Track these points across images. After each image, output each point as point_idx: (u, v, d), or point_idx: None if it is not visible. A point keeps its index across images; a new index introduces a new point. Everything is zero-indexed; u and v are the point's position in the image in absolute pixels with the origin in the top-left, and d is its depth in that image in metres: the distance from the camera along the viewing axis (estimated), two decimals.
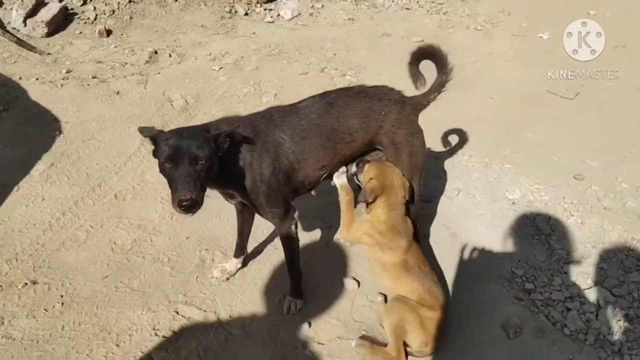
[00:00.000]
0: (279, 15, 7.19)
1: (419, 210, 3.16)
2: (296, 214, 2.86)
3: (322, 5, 7.47)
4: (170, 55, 5.76)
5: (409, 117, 2.93)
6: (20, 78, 5.06)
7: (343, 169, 2.93)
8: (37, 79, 5.06)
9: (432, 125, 4.62)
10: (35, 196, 3.72)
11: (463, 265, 3.34)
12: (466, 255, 3.43)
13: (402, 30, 6.65)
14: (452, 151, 4.45)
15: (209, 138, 2.41)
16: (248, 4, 7.38)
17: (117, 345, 2.77)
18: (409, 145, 2.92)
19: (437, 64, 3.07)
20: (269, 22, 6.92)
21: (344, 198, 2.91)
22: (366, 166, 2.92)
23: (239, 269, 3.24)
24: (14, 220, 3.53)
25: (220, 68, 5.52)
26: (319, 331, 2.87)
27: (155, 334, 2.83)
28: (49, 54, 5.64)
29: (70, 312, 2.93)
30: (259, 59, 5.76)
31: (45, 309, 2.94)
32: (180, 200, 2.26)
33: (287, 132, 2.70)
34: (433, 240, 3.52)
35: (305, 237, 3.49)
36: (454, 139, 4.56)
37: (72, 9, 6.54)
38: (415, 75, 3.08)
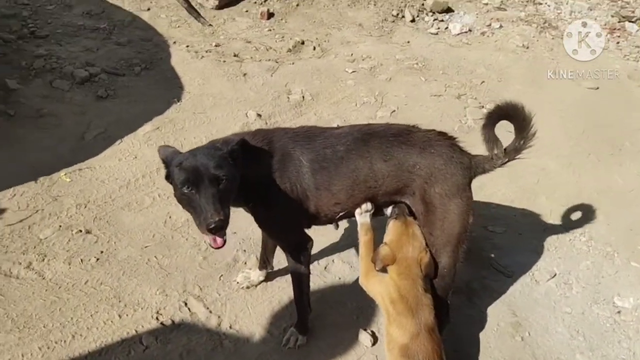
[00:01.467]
0: (447, 28, 6.72)
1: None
2: (310, 245, 2.60)
3: (500, 26, 6.79)
4: (314, 49, 5.75)
5: (452, 176, 2.43)
6: (174, 42, 5.50)
7: (367, 205, 2.55)
8: (187, 46, 5.45)
9: (561, 187, 3.97)
10: (130, 153, 4.00)
11: None
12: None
13: (582, 69, 5.68)
14: (568, 226, 3.69)
15: (226, 154, 2.25)
16: (420, 10, 7.04)
17: (119, 316, 2.83)
18: (443, 209, 2.43)
19: (517, 125, 2.51)
20: (432, 33, 6.50)
21: (362, 239, 2.55)
22: (391, 223, 2.52)
23: (261, 281, 3.08)
24: (103, 169, 3.83)
25: (353, 71, 5.33)
26: None
27: (156, 318, 2.84)
28: (210, 25, 6.04)
29: (99, 270, 3.08)
30: (397, 71, 5.43)
31: (81, 260, 3.13)
32: (209, 223, 2.11)
33: (307, 157, 2.42)
34: (486, 325, 2.94)
35: (332, 274, 3.20)
36: (577, 213, 3.78)
37: None
38: (490, 140, 2.55)
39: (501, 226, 3.65)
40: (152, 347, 2.69)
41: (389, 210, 2.59)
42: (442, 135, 2.57)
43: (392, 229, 2.52)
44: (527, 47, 6.26)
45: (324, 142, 2.47)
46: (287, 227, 2.53)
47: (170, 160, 2.25)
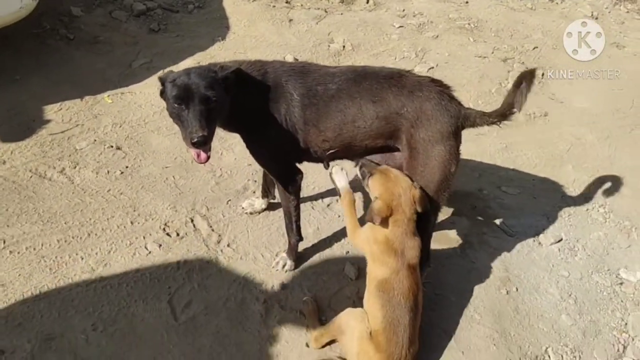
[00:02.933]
0: None
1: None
2: (299, 177, 2.70)
3: None
4: (367, 2, 5.72)
5: (437, 122, 2.42)
6: None
7: (338, 168, 2.62)
8: None
9: (592, 159, 3.81)
10: None
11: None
12: (508, 311, 2.80)
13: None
14: (588, 196, 3.56)
15: (219, 78, 2.35)
16: None
17: (132, 223, 3.11)
18: (425, 153, 2.44)
19: (520, 92, 2.42)
20: None
21: (344, 200, 2.61)
22: (370, 181, 2.51)
23: (263, 209, 3.25)
24: (143, 95, 4.11)
25: (400, 26, 5.27)
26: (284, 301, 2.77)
27: (163, 229, 3.09)
28: None
29: (122, 182, 3.37)
30: (446, 29, 5.31)
31: (107, 171, 3.44)
32: (193, 137, 2.26)
33: (298, 91, 2.49)
34: (474, 275, 2.96)
35: (333, 212, 3.31)
36: (602, 185, 3.63)
37: None
38: (518, 94, 2.44)
39: (516, 188, 3.58)
40: (154, 253, 2.95)
41: (357, 172, 2.60)
42: (435, 82, 2.55)
43: (374, 183, 2.51)
44: (597, 18, 5.88)
45: (318, 79, 2.53)
46: (275, 158, 2.64)
47: (165, 77, 2.40)
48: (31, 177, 3.31)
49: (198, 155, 2.37)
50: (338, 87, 2.49)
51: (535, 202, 3.49)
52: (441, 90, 2.50)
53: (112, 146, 3.62)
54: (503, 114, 2.50)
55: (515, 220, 3.34)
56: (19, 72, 4.09)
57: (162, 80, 2.42)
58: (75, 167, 3.43)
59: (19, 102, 3.84)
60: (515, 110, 2.48)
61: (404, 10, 5.62)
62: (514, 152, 3.88)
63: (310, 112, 2.49)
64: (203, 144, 2.29)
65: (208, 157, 2.39)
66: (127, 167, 3.49)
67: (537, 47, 5.16)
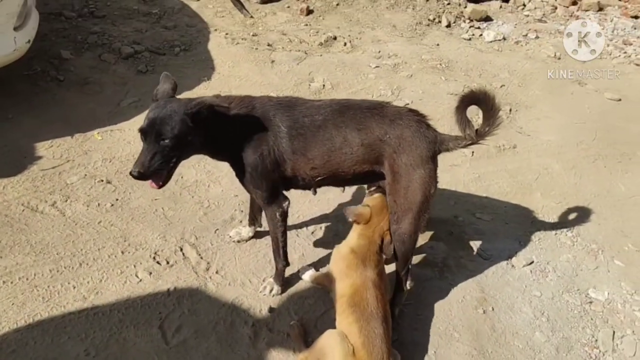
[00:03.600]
0: (481, 35, 6.85)
1: None
2: (286, 204, 2.87)
3: (537, 37, 6.86)
4: (345, 44, 6.04)
5: (417, 148, 2.63)
6: (215, 30, 5.96)
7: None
8: (226, 34, 5.89)
9: (559, 187, 4.06)
10: None
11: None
12: (485, 332, 2.95)
13: (606, 84, 5.71)
14: (556, 221, 3.78)
15: (186, 114, 2.46)
16: (458, 17, 7.21)
17: (122, 253, 3.21)
18: (407, 178, 2.64)
19: (485, 112, 2.68)
20: (464, 38, 6.65)
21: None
22: (374, 195, 2.84)
23: (250, 237, 3.39)
24: (131, 132, 4.26)
25: (376, 67, 5.58)
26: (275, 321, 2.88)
27: (153, 258, 3.19)
28: (251, 17, 6.47)
29: (112, 214, 3.48)
30: (419, 69, 5.64)
31: (98, 204, 3.55)
32: (131, 170, 2.47)
33: (286, 123, 2.69)
34: (452, 296, 3.12)
35: (317, 238, 3.48)
36: (568, 212, 3.87)
37: None
38: (462, 121, 2.71)
39: (489, 214, 3.79)
40: (145, 281, 3.04)
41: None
42: (413, 111, 2.78)
43: (375, 198, 2.82)
44: (559, 58, 6.29)
45: (304, 111, 2.74)
46: (263, 186, 2.79)
47: (153, 100, 2.62)
48: (23, 210, 3.41)
49: (150, 183, 2.58)
50: (324, 118, 2.70)
51: (508, 228, 3.70)
52: (419, 119, 2.73)
53: (102, 180, 3.74)
54: (472, 137, 2.71)
55: (489, 244, 3.53)
56: (11, 112, 4.22)
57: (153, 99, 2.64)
58: (66, 201, 3.53)
59: (11, 140, 3.96)
60: (490, 131, 2.70)
61: (379, 52, 5.95)
62: (486, 182, 4.11)
63: (298, 142, 2.69)
64: (138, 178, 2.48)
65: (159, 186, 2.60)
66: (117, 199, 3.61)
67: (504, 85, 5.50)
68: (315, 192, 2.97)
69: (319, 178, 2.80)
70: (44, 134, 4.07)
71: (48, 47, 5.10)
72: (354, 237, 2.77)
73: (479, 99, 2.70)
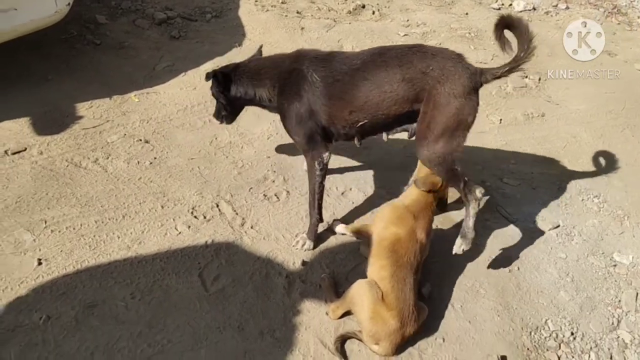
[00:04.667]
0: (510, 4, 6.78)
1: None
2: (326, 155, 2.98)
3: (567, 7, 6.76)
4: (373, 13, 6.05)
5: (460, 77, 2.69)
6: None
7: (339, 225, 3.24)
8: (255, 1, 5.94)
9: (586, 154, 4.08)
10: (190, 84, 4.54)
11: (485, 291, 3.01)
12: (510, 286, 3.05)
13: (636, 55, 5.64)
14: (584, 187, 3.82)
15: (214, 80, 3.17)
16: None
17: (162, 207, 3.36)
18: (447, 105, 2.68)
19: (518, 38, 2.75)
20: (494, 8, 6.59)
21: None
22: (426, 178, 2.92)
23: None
24: (167, 95, 4.39)
25: (405, 35, 5.59)
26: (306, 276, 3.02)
27: (191, 213, 3.34)
28: None
29: (151, 171, 3.63)
30: (448, 38, 5.63)
31: (138, 162, 3.69)
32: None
33: (321, 74, 2.80)
34: (478, 255, 3.21)
35: (348, 199, 3.58)
36: (596, 178, 3.90)
37: None
38: (501, 39, 2.82)
39: (516, 180, 3.85)
40: (184, 233, 3.20)
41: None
42: (448, 49, 2.89)
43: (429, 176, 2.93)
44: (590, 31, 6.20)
45: (342, 60, 2.87)
46: (300, 134, 2.94)
47: None
48: (67, 166, 3.57)
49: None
50: (363, 61, 2.83)
51: (534, 193, 3.76)
52: (458, 54, 2.84)
53: (140, 140, 3.88)
54: (516, 61, 2.79)
55: (516, 208, 3.60)
56: (51, 74, 4.37)
57: None
58: (107, 158, 3.69)
59: (52, 101, 4.11)
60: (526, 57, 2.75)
61: (408, 20, 5.94)
62: (514, 149, 4.15)
63: (335, 87, 2.83)
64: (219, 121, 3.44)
65: (229, 123, 3.50)
66: (155, 158, 3.75)
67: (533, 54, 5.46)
68: (359, 143, 3.07)
69: (359, 123, 2.89)
70: (83, 96, 4.21)
71: (83, 12, 5.22)
72: (411, 195, 2.90)
73: (513, 24, 2.76)
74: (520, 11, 6.57)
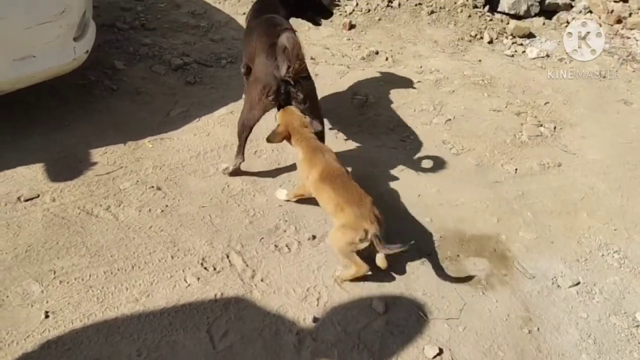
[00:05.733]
0: (524, 51, 6.80)
1: None
2: None
3: None
4: (386, 59, 6.10)
5: None
6: None
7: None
8: None
9: (605, 207, 4.00)
10: (204, 130, 4.56)
11: None
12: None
13: None
14: (603, 242, 3.73)
15: None
16: (500, 33, 7.18)
17: (172, 257, 3.32)
18: None
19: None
20: (507, 55, 6.62)
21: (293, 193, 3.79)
22: (277, 115, 3.65)
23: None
24: (180, 141, 4.41)
25: (419, 82, 5.61)
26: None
27: (201, 264, 3.29)
28: (295, 31, 6.58)
29: (162, 220, 3.60)
30: (461, 85, 5.64)
31: (149, 209, 3.67)
32: None
33: None
34: (496, 315, 3.10)
35: None
36: (615, 232, 3.81)
37: (338, 0, 7.45)
38: None
39: (533, 233, 3.76)
40: (193, 285, 3.14)
41: None
42: None
43: (278, 115, 3.66)
44: (604, 77, 6.20)
45: None
46: None
47: None
48: (79, 213, 3.56)
49: None
50: None
51: (553, 247, 3.66)
52: None
53: (152, 187, 3.88)
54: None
55: (534, 263, 3.51)
56: (67, 119, 4.42)
57: None
58: (119, 205, 3.67)
59: (68, 146, 4.14)
60: None
61: (421, 67, 5.98)
62: (530, 200, 4.08)
63: None
64: None
65: None
66: (166, 206, 3.73)
67: (548, 103, 5.45)
68: None
69: None
70: (98, 141, 4.24)
71: (102, 57, 5.32)
72: (296, 146, 3.56)
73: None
74: (534, 58, 6.59)
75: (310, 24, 6.60)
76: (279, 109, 3.66)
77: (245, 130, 3.88)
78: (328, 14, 4.80)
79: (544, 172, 4.45)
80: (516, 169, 4.41)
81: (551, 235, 3.77)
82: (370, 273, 3.19)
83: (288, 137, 3.53)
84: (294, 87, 3.58)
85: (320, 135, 3.76)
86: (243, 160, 4.00)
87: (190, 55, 5.64)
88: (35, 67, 3.86)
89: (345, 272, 3.23)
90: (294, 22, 4.56)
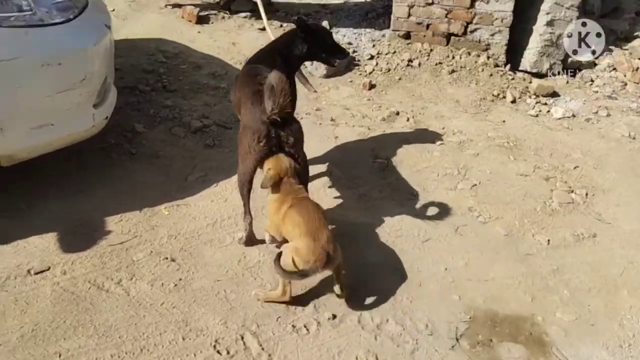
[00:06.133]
0: (548, 111, 6.65)
1: None
2: None
3: (608, 114, 6.58)
4: (407, 120, 6.00)
5: None
6: None
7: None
8: None
9: None
10: (222, 196, 4.45)
11: None
12: None
13: None
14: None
15: None
16: (523, 93, 7.06)
17: (183, 339, 3.13)
18: None
19: None
20: (531, 115, 6.47)
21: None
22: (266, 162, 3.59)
23: None
24: (197, 208, 4.29)
25: (441, 144, 5.48)
26: None
27: (214, 347, 3.09)
28: (315, 91, 6.57)
29: (175, 295, 3.44)
30: (486, 147, 5.48)
31: (162, 283, 3.52)
32: None
33: None
34: None
35: None
36: None
37: (358, 60, 7.47)
38: None
39: (571, 314, 3.48)
40: None
41: None
42: None
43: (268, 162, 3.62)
44: (634, 138, 5.99)
45: None
46: None
47: None
48: (89, 288, 3.42)
49: None
50: None
51: (593, 330, 3.38)
52: None
53: (167, 258, 3.73)
54: None
55: (574, 349, 3.22)
56: (85, 184, 4.35)
57: None
58: (131, 279, 3.53)
59: (82, 214, 4.05)
60: None
61: (443, 128, 5.86)
62: (565, 275, 3.82)
63: None
64: None
65: None
66: (180, 279, 3.57)
67: (578, 166, 5.24)
68: None
69: None
70: (114, 208, 4.15)
71: (123, 120, 5.32)
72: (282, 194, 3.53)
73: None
74: (559, 118, 6.43)
75: (330, 84, 6.67)
76: (269, 155, 3.60)
77: (244, 186, 3.77)
78: (343, 55, 4.70)
79: (578, 244, 4.20)
80: (548, 240, 4.17)
81: (591, 317, 3.49)
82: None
83: (278, 183, 3.50)
84: (283, 131, 3.54)
85: (304, 181, 3.79)
86: (251, 218, 3.85)
87: (209, 117, 5.61)
88: (53, 134, 3.82)
89: (268, 293, 3.43)
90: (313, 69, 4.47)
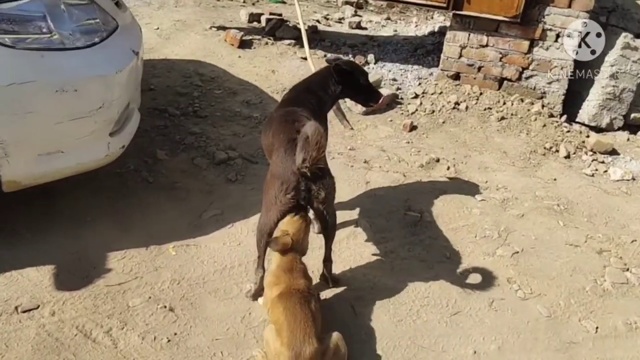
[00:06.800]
0: (605, 171, 6.06)
1: None
2: None
3: None
4: (448, 168, 5.56)
5: None
6: None
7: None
8: None
9: None
10: (235, 239, 4.11)
11: None
12: None
13: None
14: None
15: None
16: (578, 148, 6.50)
17: None
18: None
19: None
20: (586, 174, 5.90)
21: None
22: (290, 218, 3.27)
23: None
24: (207, 250, 3.97)
25: (482, 200, 5.00)
26: None
27: None
28: (351, 129, 6.23)
29: (166, 353, 3.09)
30: (533, 208, 4.96)
31: (154, 337, 3.18)
32: None
33: None
34: None
35: None
36: None
37: (401, 98, 7.10)
38: None
39: None
40: None
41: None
42: None
43: (292, 222, 3.28)
44: None
45: None
46: None
47: None
48: (76, 335, 3.12)
49: None
50: None
51: None
52: None
53: (165, 306, 3.41)
54: None
55: None
56: (91, 214, 4.11)
57: None
58: (122, 329, 3.21)
59: (85, 247, 3.79)
60: None
61: (486, 181, 5.38)
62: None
63: None
64: None
65: None
66: (175, 334, 3.23)
67: (635, 240, 4.65)
68: None
69: None
70: (119, 243, 3.87)
71: (146, 144, 5.11)
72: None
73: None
74: (617, 180, 5.84)
75: (368, 122, 6.31)
76: (296, 211, 3.27)
77: (263, 237, 3.40)
78: (375, 100, 4.44)
79: (631, 334, 3.63)
80: (597, 328, 3.62)
81: None
82: None
83: (287, 250, 3.20)
84: (315, 185, 3.18)
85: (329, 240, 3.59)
86: (264, 272, 3.49)
87: (236, 149, 5.33)
88: (62, 162, 3.59)
89: None
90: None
